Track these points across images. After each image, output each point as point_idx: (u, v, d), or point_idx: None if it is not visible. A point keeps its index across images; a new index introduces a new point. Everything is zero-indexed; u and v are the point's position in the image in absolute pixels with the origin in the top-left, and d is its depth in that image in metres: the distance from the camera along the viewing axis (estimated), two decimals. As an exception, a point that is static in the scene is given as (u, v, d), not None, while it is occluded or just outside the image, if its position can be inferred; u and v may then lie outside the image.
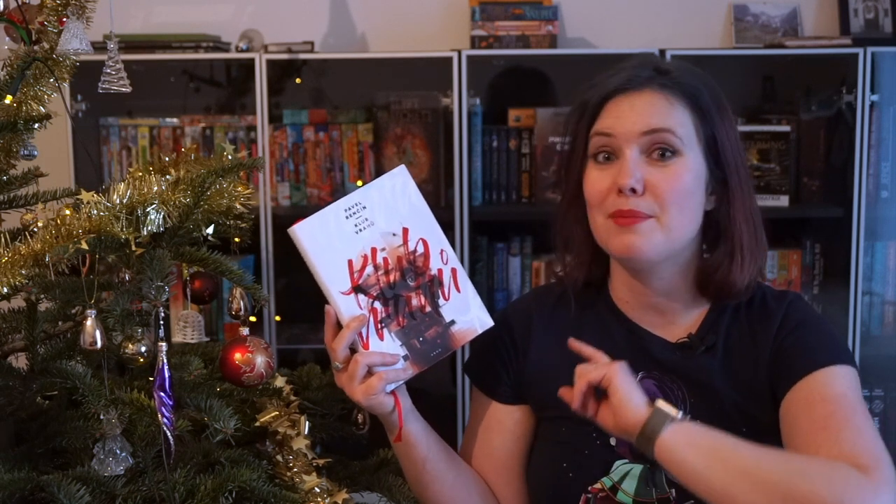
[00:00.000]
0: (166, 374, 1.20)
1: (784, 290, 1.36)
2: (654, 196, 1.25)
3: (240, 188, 1.36)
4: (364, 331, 1.25)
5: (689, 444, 1.13)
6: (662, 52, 2.71)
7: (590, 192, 1.30)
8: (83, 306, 1.23)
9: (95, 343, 1.19)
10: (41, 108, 1.39)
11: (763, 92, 3.04)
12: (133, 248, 1.20)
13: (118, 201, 1.19)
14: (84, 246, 1.15)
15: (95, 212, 1.17)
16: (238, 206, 1.36)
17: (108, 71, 1.37)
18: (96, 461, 1.24)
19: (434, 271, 1.30)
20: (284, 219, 2.78)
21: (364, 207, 1.26)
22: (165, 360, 1.21)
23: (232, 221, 1.42)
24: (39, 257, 1.14)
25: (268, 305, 2.73)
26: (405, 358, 1.27)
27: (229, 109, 2.99)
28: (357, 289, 1.25)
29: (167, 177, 1.32)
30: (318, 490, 1.36)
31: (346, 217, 1.25)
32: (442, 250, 1.30)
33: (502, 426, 1.40)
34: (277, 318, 2.86)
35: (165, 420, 1.20)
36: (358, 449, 1.60)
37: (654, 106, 1.28)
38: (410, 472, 1.35)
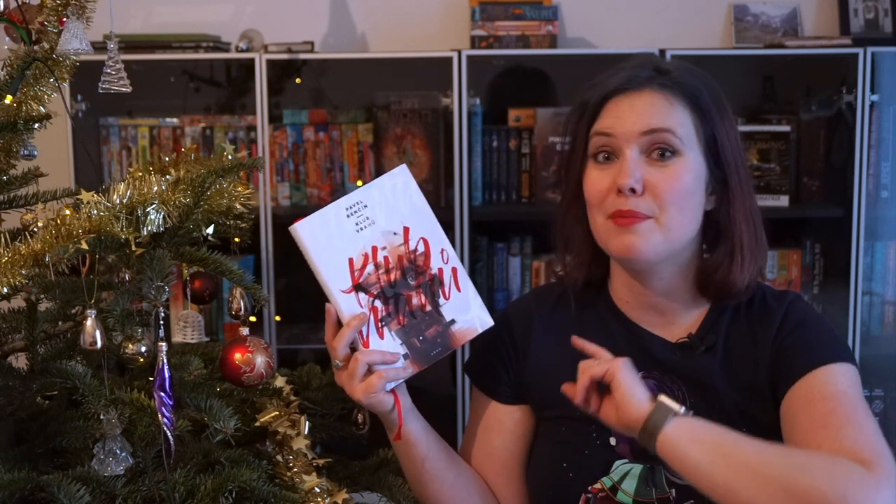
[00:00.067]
0: (166, 374, 1.20)
1: (784, 290, 1.36)
2: (654, 196, 1.25)
3: (240, 188, 1.36)
4: (364, 329, 1.25)
5: (691, 438, 1.13)
6: (662, 52, 2.71)
7: (589, 192, 1.30)
8: (83, 306, 1.23)
9: (95, 343, 1.19)
10: (41, 108, 1.39)
11: (763, 92, 3.04)
12: (133, 248, 1.20)
13: (118, 201, 1.19)
14: (84, 246, 1.15)
15: (95, 212, 1.17)
16: (238, 206, 1.36)
17: (108, 71, 1.37)
18: (96, 461, 1.24)
19: (435, 270, 1.30)
20: (284, 219, 2.78)
21: (365, 206, 1.26)
22: (165, 360, 1.21)
23: (232, 221, 1.42)
24: (39, 257, 1.14)
25: (268, 305, 2.73)
26: (405, 356, 1.27)
27: (229, 109, 2.99)
28: (358, 287, 1.25)
29: (167, 177, 1.32)
30: (318, 490, 1.36)
31: (348, 216, 1.26)
32: (443, 249, 1.30)
33: (502, 426, 1.40)
34: (277, 318, 2.86)
35: (165, 420, 1.20)
36: (358, 449, 1.60)
37: (653, 106, 1.28)
38: (410, 470, 1.35)
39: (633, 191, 1.25)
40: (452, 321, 1.30)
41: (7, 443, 1.32)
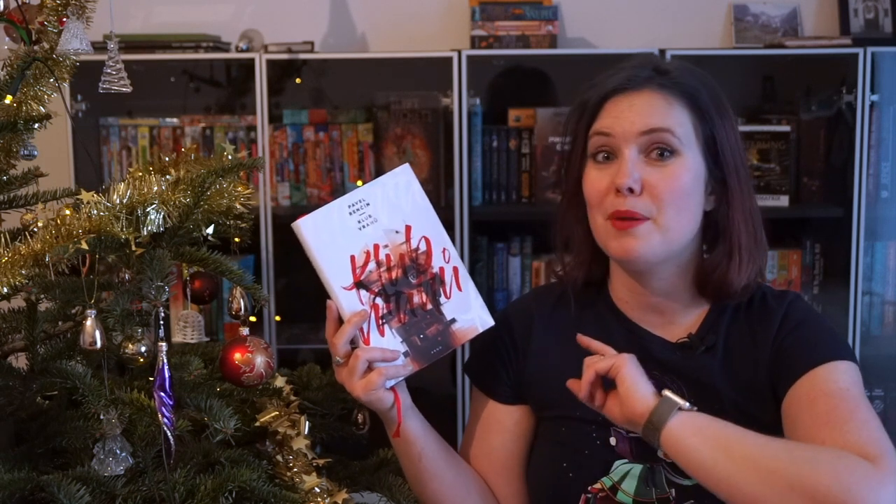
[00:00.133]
0: (166, 374, 1.20)
1: (784, 290, 1.36)
2: (652, 196, 1.25)
3: (240, 188, 1.35)
4: (365, 326, 1.25)
5: (695, 433, 1.14)
6: (662, 52, 2.71)
7: (589, 192, 1.30)
8: (83, 306, 1.23)
9: (95, 343, 1.19)
10: (41, 108, 1.39)
11: (763, 92, 3.04)
12: (133, 248, 1.20)
13: (118, 201, 1.19)
14: (84, 246, 1.15)
15: (95, 212, 1.17)
16: (238, 206, 1.36)
17: (109, 71, 1.37)
18: (96, 461, 1.24)
19: (436, 269, 1.30)
20: (284, 219, 2.78)
21: (368, 204, 1.27)
22: (165, 360, 1.21)
23: (232, 221, 1.42)
24: (39, 257, 1.14)
25: (268, 305, 2.73)
26: (405, 354, 1.27)
27: (229, 109, 2.99)
28: (359, 284, 1.26)
29: (167, 177, 1.32)
30: (318, 490, 1.36)
31: (350, 213, 1.26)
32: (444, 249, 1.31)
33: (502, 426, 1.40)
34: (277, 318, 2.86)
35: (165, 420, 1.20)
36: (358, 449, 1.60)
37: (652, 106, 1.28)
38: (409, 469, 1.35)
39: (631, 191, 1.25)
40: (453, 320, 1.30)
41: (7, 443, 1.32)
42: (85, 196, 1.19)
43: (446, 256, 1.31)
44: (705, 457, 1.12)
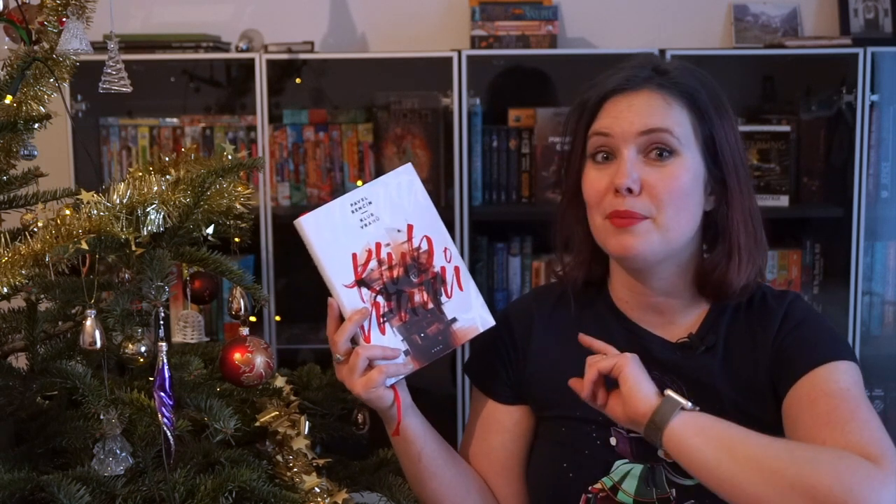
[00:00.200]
0: (166, 374, 1.20)
1: (784, 290, 1.36)
2: (651, 196, 1.25)
3: (240, 188, 1.35)
4: (366, 324, 1.25)
5: (697, 432, 1.14)
6: (662, 52, 2.71)
7: (588, 192, 1.30)
8: (83, 306, 1.23)
9: (95, 343, 1.19)
10: (41, 108, 1.39)
11: (763, 92, 3.04)
12: (133, 248, 1.20)
13: (118, 201, 1.19)
14: (84, 246, 1.15)
15: (95, 212, 1.17)
16: (238, 206, 1.36)
17: (109, 71, 1.37)
18: (96, 461, 1.24)
19: (437, 269, 1.30)
20: (284, 219, 2.78)
21: (370, 203, 1.27)
22: (165, 360, 1.20)
23: (232, 221, 1.42)
24: (39, 257, 1.14)
25: (268, 305, 2.73)
26: (406, 353, 1.27)
27: (229, 109, 2.99)
28: (360, 282, 1.26)
29: (167, 177, 1.32)
30: (318, 490, 1.36)
31: (352, 211, 1.26)
32: (446, 248, 1.31)
33: (502, 426, 1.40)
34: (277, 318, 2.86)
35: (165, 420, 1.20)
36: (358, 449, 1.60)
37: (651, 106, 1.28)
38: (408, 468, 1.35)
39: (630, 191, 1.25)
40: (454, 319, 1.30)
41: (7, 443, 1.32)
42: (85, 196, 1.19)
43: (448, 256, 1.31)
44: (708, 457, 1.12)
